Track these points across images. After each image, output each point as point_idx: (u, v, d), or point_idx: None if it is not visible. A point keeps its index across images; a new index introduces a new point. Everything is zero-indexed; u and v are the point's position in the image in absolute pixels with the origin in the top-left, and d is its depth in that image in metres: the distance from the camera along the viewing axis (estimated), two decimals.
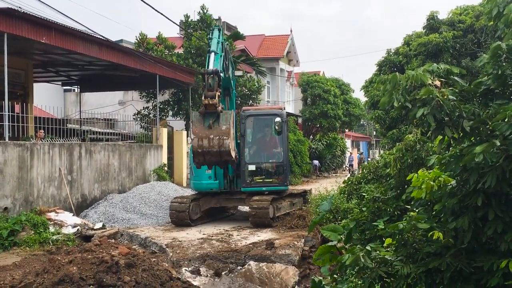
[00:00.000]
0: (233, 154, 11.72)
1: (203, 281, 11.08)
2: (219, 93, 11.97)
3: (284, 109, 18.93)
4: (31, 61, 21.72)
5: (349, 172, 38.23)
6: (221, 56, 13.93)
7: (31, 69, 22.26)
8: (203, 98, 11.73)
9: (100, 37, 18.37)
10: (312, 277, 10.82)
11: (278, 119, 16.83)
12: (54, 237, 13.86)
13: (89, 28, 17.81)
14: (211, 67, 12.40)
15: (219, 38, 14.63)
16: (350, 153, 50.54)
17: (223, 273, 11.61)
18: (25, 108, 17.11)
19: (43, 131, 18.07)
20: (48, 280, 8.74)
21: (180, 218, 16.06)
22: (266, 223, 15.92)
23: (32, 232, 13.76)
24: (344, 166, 49.25)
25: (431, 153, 7.72)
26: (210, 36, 14.85)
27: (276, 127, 16.84)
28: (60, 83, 28.72)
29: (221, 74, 13.27)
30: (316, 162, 39.26)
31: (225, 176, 16.81)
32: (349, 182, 13.08)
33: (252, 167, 17.02)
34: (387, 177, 10.19)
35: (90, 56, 18.67)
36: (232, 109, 16.02)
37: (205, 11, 29.56)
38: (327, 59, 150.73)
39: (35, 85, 23.67)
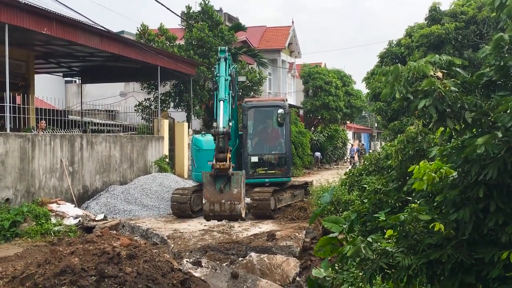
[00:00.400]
0: (243, 214, 11.65)
1: (205, 273, 11.11)
2: (229, 155, 11.77)
3: (286, 100, 18.92)
4: (32, 52, 21.70)
5: (351, 164, 38.23)
6: (229, 85, 13.75)
7: (32, 60, 22.23)
8: (214, 161, 11.42)
9: (101, 28, 18.34)
10: (308, 275, 10.87)
11: (281, 110, 16.84)
12: (56, 228, 13.88)
13: (90, 19, 17.83)
14: (221, 125, 11.99)
15: (227, 69, 14.01)
16: (351, 144, 50.55)
17: (224, 264, 11.63)
18: (27, 99, 17.11)
19: (44, 121, 18.07)
20: (50, 271, 8.76)
21: (182, 209, 16.08)
22: (268, 214, 15.94)
23: (34, 223, 13.78)
24: (345, 158, 49.24)
25: (432, 145, 7.71)
26: (217, 72, 13.88)
27: (279, 119, 16.84)
28: (61, 74, 28.69)
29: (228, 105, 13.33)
30: (318, 154, 39.26)
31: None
32: (351, 174, 13.09)
33: (254, 159, 17.03)
34: (388, 169, 10.19)
35: (91, 47, 18.63)
36: (233, 121, 15.62)
37: (206, 2, 29.48)
38: (329, 50, 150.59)
39: (37, 76, 23.65)
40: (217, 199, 11.10)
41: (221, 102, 12.80)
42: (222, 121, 12.09)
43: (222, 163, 11.20)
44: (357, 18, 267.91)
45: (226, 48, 14.90)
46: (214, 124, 12.72)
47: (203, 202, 11.11)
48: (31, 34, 16.65)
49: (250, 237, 13.51)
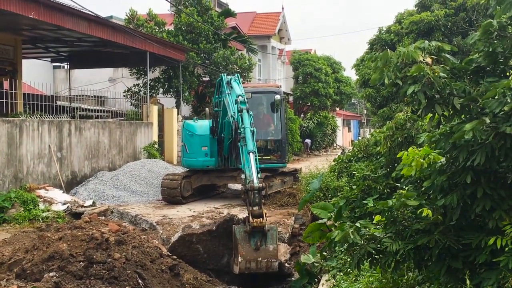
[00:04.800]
0: (277, 268, 11.30)
1: None
2: (265, 211, 11.15)
3: (280, 87, 18.93)
4: (20, 37, 21.46)
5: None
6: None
7: (19, 45, 22.00)
8: (250, 218, 10.63)
9: (90, 13, 18.15)
10: (297, 260, 10.91)
11: (277, 96, 16.86)
12: (44, 214, 13.83)
13: (78, 3, 17.56)
14: (255, 180, 11.22)
15: (250, 119, 13.17)
16: None
17: None
18: (14, 84, 16.95)
19: None
20: (38, 257, 8.74)
21: (172, 195, 16.06)
22: None
23: (22, 209, 13.72)
24: (335, 145, 49.36)
25: (421, 131, 7.74)
26: (242, 124, 12.76)
27: (276, 105, 16.88)
28: (49, 59, 28.43)
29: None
30: (308, 140, 39.30)
31: (219, 153, 16.76)
32: (340, 161, 13.13)
33: None
34: (377, 155, 10.24)
35: (80, 32, 18.45)
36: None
37: None
38: (319, 36, 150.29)
39: (24, 61, 23.42)
40: (253, 257, 10.60)
41: (251, 154, 12.01)
42: (255, 177, 11.33)
43: (259, 219, 10.72)
44: (348, 3, 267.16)
45: (244, 95, 13.81)
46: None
47: (239, 259, 10.61)
48: (18, 18, 16.45)
49: None
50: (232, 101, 13.69)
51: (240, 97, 13.45)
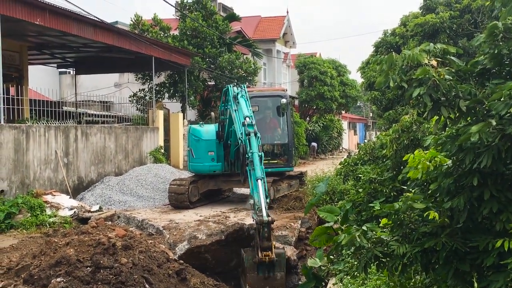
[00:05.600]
0: None
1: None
2: (274, 243, 11.14)
3: (286, 90, 18.92)
4: (26, 43, 21.57)
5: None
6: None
7: (25, 52, 22.11)
8: (259, 251, 10.61)
9: (95, 18, 18.22)
10: (304, 263, 10.91)
11: (283, 100, 16.86)
12: (51, 220, 13.86)
13: (84, 9, 17.63)
14: (264, 213, 11.00)
15: (258, 143, 12.94)
16: None
17: None
18: (20, 90, 17.03)
19: None
20: (45, 262, 8.76)
21: (179, 200, 16.06)
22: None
23: (29, 214, 13.76)
24: (341, 148, 49.29)
25: (427, 134, 7.72)
26: (250, 149, 12.53)
27: (281, 108, 16.88)
28: (55, 65, 28.55)
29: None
30: (314, 144, 39.23)
31: (225, 158, 16.73)
32: (346, 164, 13.11)
33: None
34: (383, 158, 10.22)
35: (85, 38, 18.52)
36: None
37: None
38: (324, 40, 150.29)
39: (30, 67, 23.53)
40: (261, 286, 10.74)
41: (259, 181, 11.80)
42: (264, 209, 11.09)
43: (268, 253, 10.77)
44: (352, 5, 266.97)
45: (252, 117, 13.66)
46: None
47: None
48: (24, 24, 16.53)
49: None
50: (240, 121, 13.56)
51: (247, 119, 13.27)
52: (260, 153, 12.54)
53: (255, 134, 12.95)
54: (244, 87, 15.04)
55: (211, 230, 12.73)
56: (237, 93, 14.52)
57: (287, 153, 17.44)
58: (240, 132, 13.31)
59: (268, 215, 10.98)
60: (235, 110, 14.09)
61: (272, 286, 10.64)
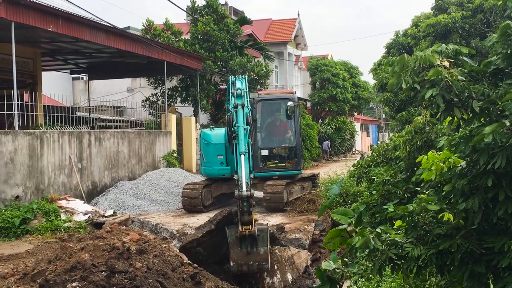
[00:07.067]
0: (269, 267, 11.36)
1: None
2: (255, 218, 11.13)
3: (295, 93, 18.88)
4: (39, 50, 21.75)
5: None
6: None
7: (39, 58, 22.30)
8: (240, 225, 10.69)
9: (107, 24, 18.35)
10: (317, 266, 10.90)
11: (290, 103, 16.81)
12: (66, 225, 13.95)
13: (96, 15, 17.79)
14: (244, 188, 11.06)
15: (244, 116, 12.80)
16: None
17: None
18: (34, 96, 17.18)
19: None
20: (61, 267, 8.80)
21: (193, 204, 16.09)
22: (281, 207, 15.95)
23: (44, 220, 13.86)
24: (353, 150, 49.14)
25: (440, 135, 7.68)
26: (236, 122, 12.42)
27: (288, 111, 16.82)
28: (68, 71, 28.76)
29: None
30: (326, 142, 38.26)
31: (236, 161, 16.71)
32: (359, 166, 13.07)
33: (265, 152, 17.01)
34: (396, 160, 10.18)
35: (98, 43, 18.65)
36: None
37: None
38: (335, 42, 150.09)
39: (44, 73, 23.72)
40: (244, 261, 10.74)
41: (242, 156, 11.81)
42: (244, 184, 11.13)
43: (248, 227, 10.81)
44: (362, 5, 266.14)
45: (244, 90, 13.62)
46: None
47: (231, 264, 10.82)
48: (38, 31, 16.69)
49: None
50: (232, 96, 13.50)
51: (238, 91, 13.21)
52: (246, 126, 12.44)
53: (243, 107, 12.82)
54: (245, 77, 15.11)
55: (199, 223, 12.68)
56: (236, 78, 14.64)
57: (296, 156, 17.38)
58: (229, 105, 13.27)
59: (248, 190, 11.00)
60: (231, 93, 13.84)
61: (255, 261, 10.71)
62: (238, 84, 13.95)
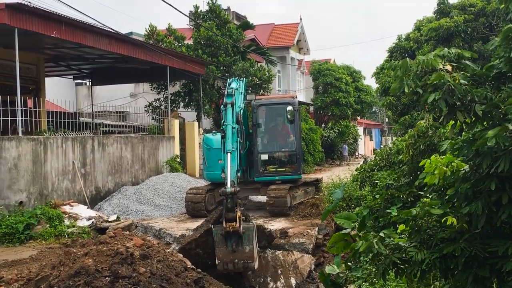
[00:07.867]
0: (256, 266, 11.34)
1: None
2: (239, 214, 11.14)
3: (296, 97, 18.84)
4: (42, 56, 21.82)
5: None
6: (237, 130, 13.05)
7: (42, 64, 22.36)
8: (224, 222, 10.82)
9: (110, 30, 18.40)
10: (321, 270, 10.88)
11: (289, 107, 16.76)
12: (69, 230, 13.97)
13: (99, 21, 17.84)
14: (228, 184, 11.25)
15: (234, 115, 13.09)
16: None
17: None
18: (38, 102, 17.21)
19: None
20: (64, 273, 8.81)
21: (196, 209, 16.08)
22: (284, 211, 15.93)
23: (48, 225, 13.88)
24: (357, 154, 49.08)
25: (443, 139, 7.68)
26: (224, 120, 12.86)
27: (288, 116, 16.77)
28: (71, 76, 28.86)
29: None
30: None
31: (239, 165, 16.73)
32: (362, 170, 13.07)
33: (265, 157, 16.99)
34: (399, 164, 10.17)
35: (101, 49, 18.71)
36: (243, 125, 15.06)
37: (214, 1, 29.52)
38: (337, 46, 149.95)
39: (47, 79, 23.79)
40: (230, 259, 10.75)
41: (228, 154, 11.97)
42: (229, 180, 11.31)
43: (232, 224, 10.83)
44: (363, 9, 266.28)
45: (235, 89, 13.77)
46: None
47: (216, 262, 10.82)
48: (41, 37, 16.74)
49: None
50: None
51: (229, 90, 13.32)
52: (234, 125, 12.58)
53: (232, 105, 12.95)
54: (244, 80, 15.13)
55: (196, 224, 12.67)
56: (232, 80, 14.73)
57: (296, 161, 17.33)
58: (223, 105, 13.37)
59: (232, 187, 11.03)
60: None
61: (240, 259, 10.74)
62: (233, 85, 14.06)
